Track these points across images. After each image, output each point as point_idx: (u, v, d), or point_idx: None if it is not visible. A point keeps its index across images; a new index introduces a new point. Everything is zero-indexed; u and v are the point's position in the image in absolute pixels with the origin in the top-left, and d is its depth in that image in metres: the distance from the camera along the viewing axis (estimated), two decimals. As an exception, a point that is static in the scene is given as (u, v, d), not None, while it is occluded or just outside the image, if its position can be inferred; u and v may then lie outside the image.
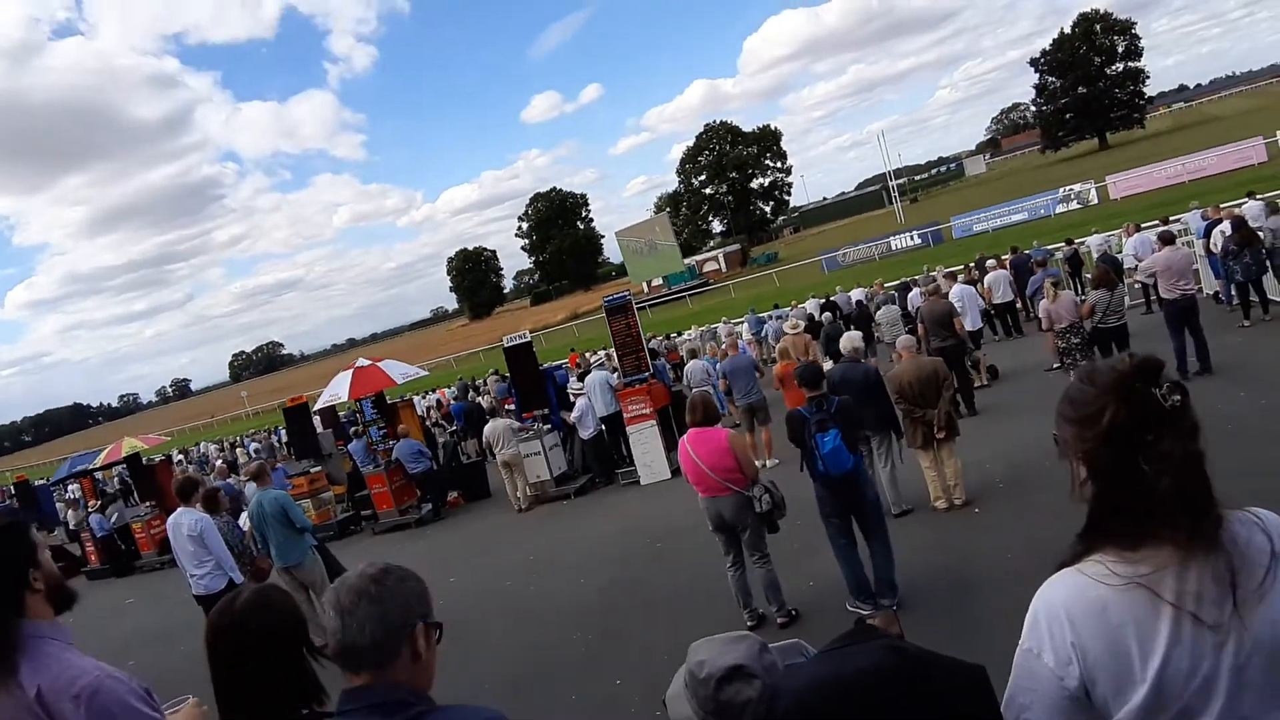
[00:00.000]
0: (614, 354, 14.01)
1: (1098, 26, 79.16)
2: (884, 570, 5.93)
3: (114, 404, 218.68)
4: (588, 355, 22.99)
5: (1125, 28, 78.97)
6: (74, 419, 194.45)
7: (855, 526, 6.01)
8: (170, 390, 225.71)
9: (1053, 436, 1.55)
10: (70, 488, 25.92)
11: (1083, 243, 19.79)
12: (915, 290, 17.65)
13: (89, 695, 1.98)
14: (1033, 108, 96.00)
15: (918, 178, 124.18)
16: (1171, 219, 17.34)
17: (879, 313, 16.40)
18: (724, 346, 16.61)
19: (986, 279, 16.35)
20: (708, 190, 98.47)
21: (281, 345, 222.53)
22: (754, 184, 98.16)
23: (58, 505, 25.85)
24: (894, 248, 46.28)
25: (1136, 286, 15.71)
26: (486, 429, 13.66)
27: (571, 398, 14.32)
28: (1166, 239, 10.59)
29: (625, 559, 8.85)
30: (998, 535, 6.77)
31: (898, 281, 22.38)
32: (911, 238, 46.13)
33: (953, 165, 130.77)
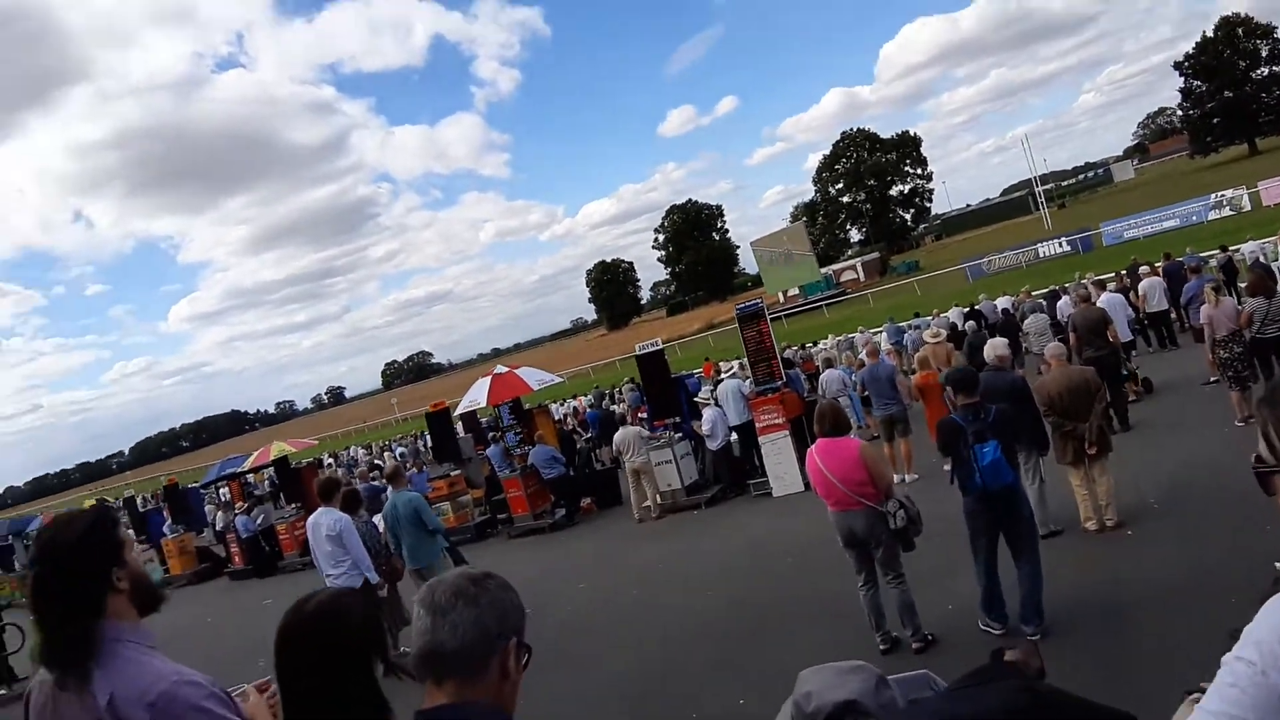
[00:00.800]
0: (746, 363, 13.85)
1: (1239, 30, 74.49)
2: (1031, 595, 5.51)
3: (271, 410, 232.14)
4: (721, 365, 22.87)
5: (1266, 31, 73.86)
6: (231, 425, 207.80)
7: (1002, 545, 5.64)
8: (325, 397, 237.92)
9: (1253, 470, 1.31)
10: (220, 490, 27.46)
11: (1237, 250, 18.69)
12: (1065, 298, 16.76)
13: (165, 701, 1.90)
14: (1179, 112, 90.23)
15: (1064, 183, 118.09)
16: None
17: (1026, 321, 15.64)
18: (861, 355, 16.20)
19: (1141, 286, 15.33)
20: (845, 198, 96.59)
21: (431, 354, 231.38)
22: (893, 191, 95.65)
23: (207, 507, 27.38)
24: (1041, 254, 44.14)
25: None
26: (616, 436, 13.69)
27: (701, 406, 14.23)
28: None
29: (754, 573, 8.66)
30: (1152, 561, 6.24)
31: (1046, 289, 21.27)
32: (1059, 244, 43.89)
33: (1100, 171, 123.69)
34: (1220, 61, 74.63)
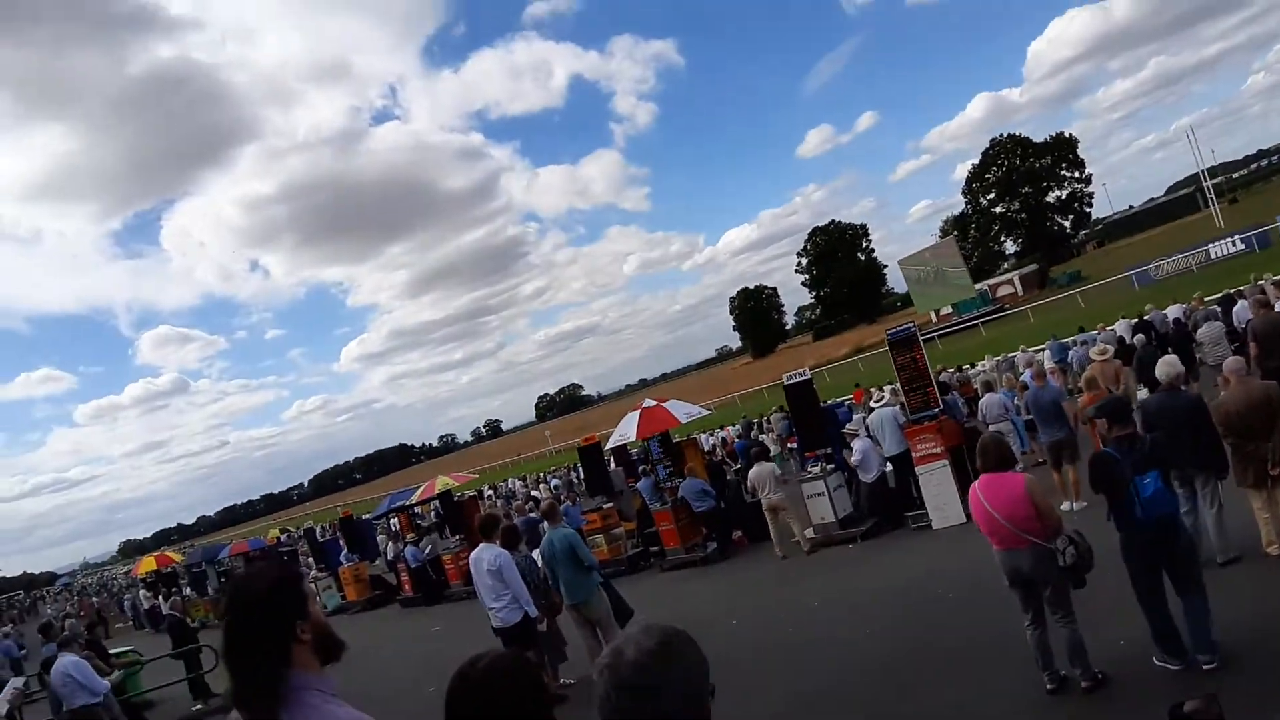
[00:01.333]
0: (899, 389, 13.43)
1: None
2: (1201, 627, 5.15)
3: (434, 444, 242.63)
4: (873, 391, 22.30)
5: None
6: (399, 458, 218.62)
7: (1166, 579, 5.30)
8: (484, 430, 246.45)
9: None
10: (391, 521, 28.85)
11: None
12: (1242, 303, 15.42)
13: None
14: None
15: (1235, 175, 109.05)
16: None
17: (1200, 331, 14.48)
18: (1023, 377, 15.42)
19: None
20: (998, 209, 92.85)
21: (581, 386, 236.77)
22: (1049, 198, 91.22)
23: (379, 537, 28.72)
24: (1214, 255, 40.94)
25: None
26: (751, 473, 13.55)
27: (848, 438, 13.87)
28: None
29: (913, 610, 8.34)
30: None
31: (1220, 294, 19.68)
32: (1234, 243, 40.50)
33: (1275, 158, 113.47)
34: None
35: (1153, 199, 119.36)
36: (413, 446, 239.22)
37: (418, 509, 23.52)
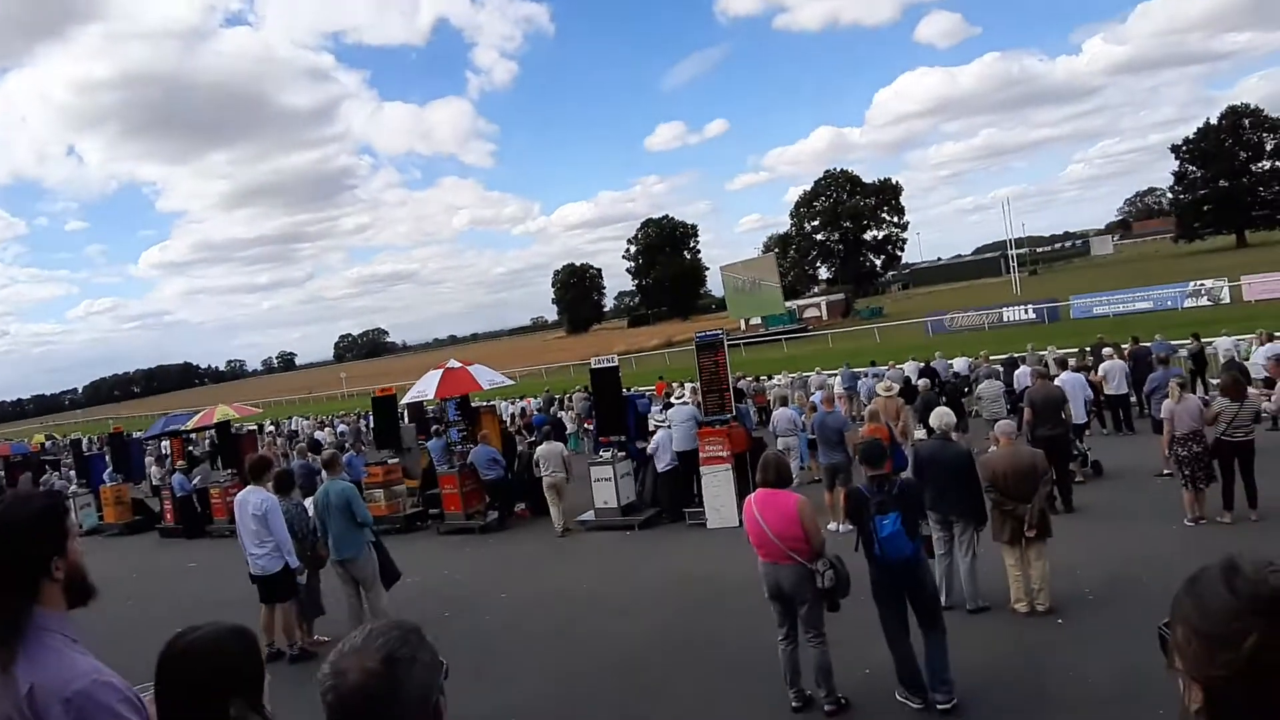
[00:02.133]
0: (699, 389, 13.82)
1: (1246, 121, 76.04)
2: (938, 665, 5.54)
3: (221, 368, 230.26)
4: (674, 386, 22.82)
5: (1275, 125, 75.48)
6: (182, 377, 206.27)
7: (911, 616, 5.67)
8: (276, 361, 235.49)
9: (1159, 632, 1.26)
10: (162, 444, 27.03)
11: (1210, 342, 18.63)
12: (1023, 368, 16.81)
13: (80, 700, 1.91)
14: (1169, 194, 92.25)
15: (1039, 249, 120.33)
16: None
17: (980, 386, 15.70)
18: (814, 397, 16.22)
19: (1102, 367, 15.33)
20: (819, 236, 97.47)
21: (386, 333, 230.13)
22: (867, 235, 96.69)
23: (147, 459, 26.89)
24: (1006, 319, 44.41)
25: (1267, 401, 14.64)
26: (540, 449, 13.70)
27: (651, 427, 14.15)
28: None
29: (677, 607, 8.60)
30: (1080, 651, 6.24)
31: (1005, 356, 21.47)
32: (1026, 311, 44.24)
33: (1078, 242, 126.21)
34: (1220, 149, 76.06)
35: (960, 255, 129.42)
36: (198, 367, 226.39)
37: (193, 435, 22.08)
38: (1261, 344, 15.52)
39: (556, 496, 13.36)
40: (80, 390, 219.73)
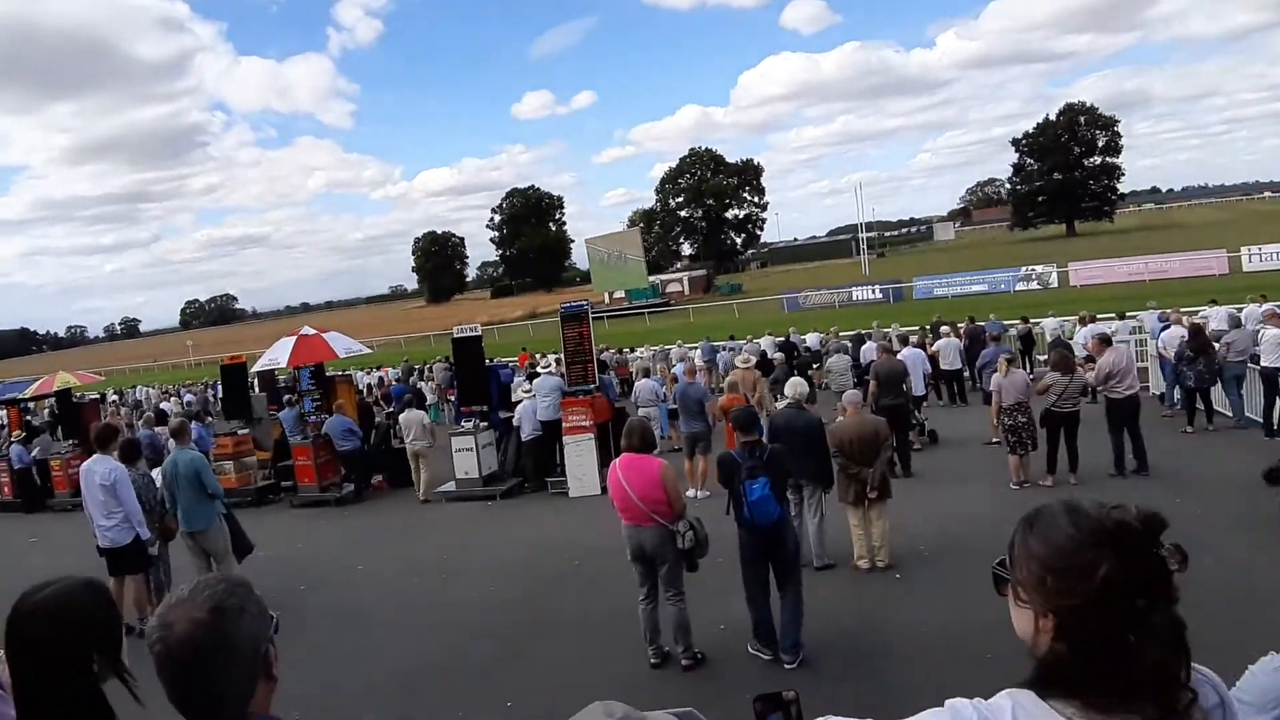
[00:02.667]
0: (563, 359, 13.87)
1: (1082, 118, 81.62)
2: (791, 626, 5.81)
3: (60, 334, 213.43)
4: (538, 357, 22.77)
5: (1109, 123, 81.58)
6: (18, 343, 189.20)
7: (771, 575, 5.91)
8: (119, 328, 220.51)
9: (993, 572, 1.36)
10: (-1, 413, 25.03)
11: (1038, 323, 20.11)
12: (869, 344, 17.71)
13: None
14: (1007, 185, 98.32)
15: (888, 234, 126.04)
16: (1128, 315, 17.64)
17: (830, 360, 16.44)
18: (675, 369, 16.53)
19: (938, 344, 16.50)
20: (683, 213, 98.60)
21: (236, 299, 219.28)
22: (729, 214, 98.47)
23: (-19, 430, 24.81)
24: (855, 298, 46.79)
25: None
26: (403, 417, 13.73)
27: (516, 397, 14.11)
28: (1105, 340, 10.49)
29: (540, 572, 8.66)
30: (916, 603, 6.70)
31: (853, 332, 22.49)
32: (874, 291, 46.73)
33: (923, 228, 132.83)
34: (1056, 144, 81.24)
35: (815, 237, 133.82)
36: (36, 333, 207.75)
37: (31, 404, 20.56)
38: (1083, 325, 16.89)
39: (419, 464, 13.27)
40: None
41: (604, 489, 11.50)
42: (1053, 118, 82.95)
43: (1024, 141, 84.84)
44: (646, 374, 15.48)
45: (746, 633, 6.04)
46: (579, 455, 12.13)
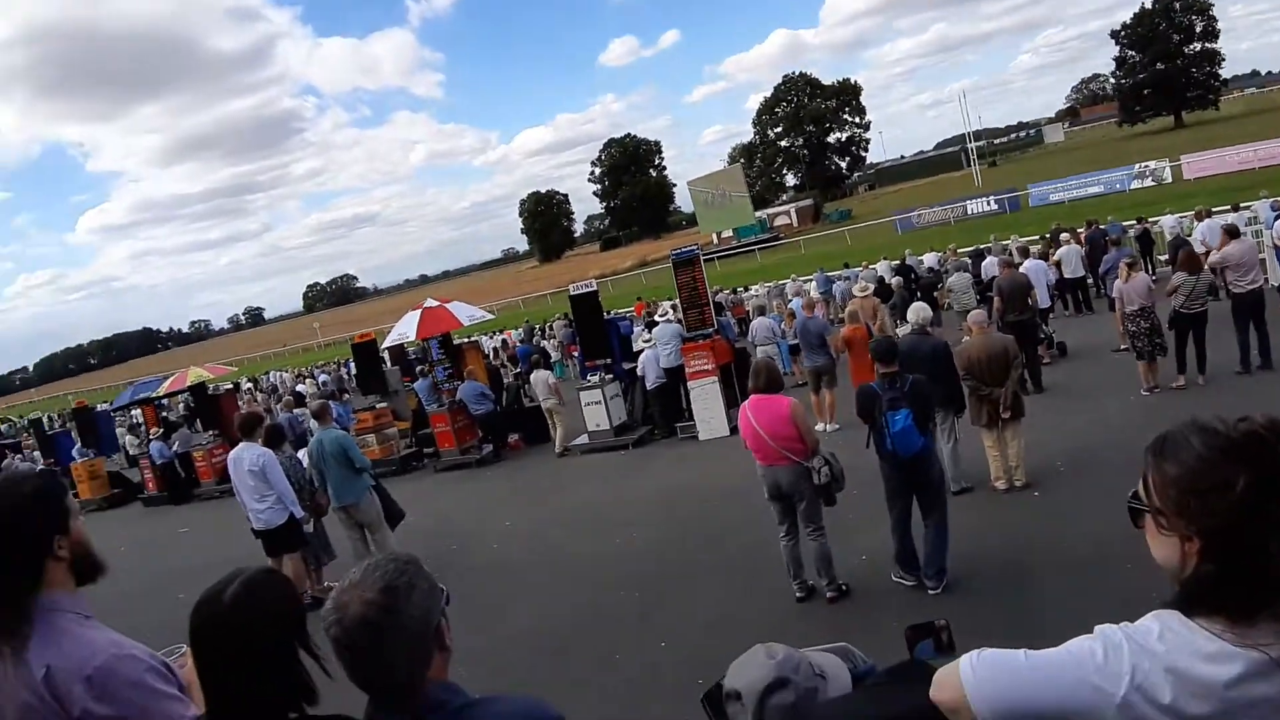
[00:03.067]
0: (679, 305, 13.95)
1: (1177, 4, 76.26)
2: (936, 553, 5.79)
3: (184, 329, 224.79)
4: (654, 305, 22.92)
5: (1203, 8, 76.06)
6: (143, 343, 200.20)
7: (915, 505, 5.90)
8: (243, 318, 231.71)
9: (1128, 506, 1.35)
10: (133, 413, 26.47)
11: (1155, 222, 19.18)
12: (990, 259, 17.14)
13: (101, 676, 1.88)
14: (1111, 80, 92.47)
15: (997, 141, 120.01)
16: (1242, 206, 16.75)
17: (950, 279, 15.96)
18: (792, 304, 16.38)
19: (1059, 253, 15.84)
20: (783, 143, 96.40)
21: (355, 278, 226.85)
22: (831, 138, 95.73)
23: (118, 431, 26.39)
24: (970, 212, 44.90)
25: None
26: (532, 377, 14.39)
27: (637, 348, 14.32)
28: (1232, 232, 10.01)
29: (677, 517, 8.84)
30: (1056, 521, 6.59)
31: (971, 248, 21.72)
32: (988, 203, 44.63)
33: (1032, 131, 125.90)
34: (1155, 33, 76.17)
35: (922, 152, 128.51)
36: (160, 331, 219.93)
37: (165, 401, 21.73)
38: (1200, 220, 15.96)
39: (554, 420, 13.77)
40: (31, 369, 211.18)
41: (732, 430, 11.67)
42: (1149, 6, 77.47)
43: (1122, 34, 79.74)
44: (762, 312, 15.42)
45: (888, 563, 6.06)
46: (704, 399, 12.25)
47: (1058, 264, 15.54)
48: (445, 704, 1.52)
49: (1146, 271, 14.09)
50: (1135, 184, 39.08)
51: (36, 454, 23.48)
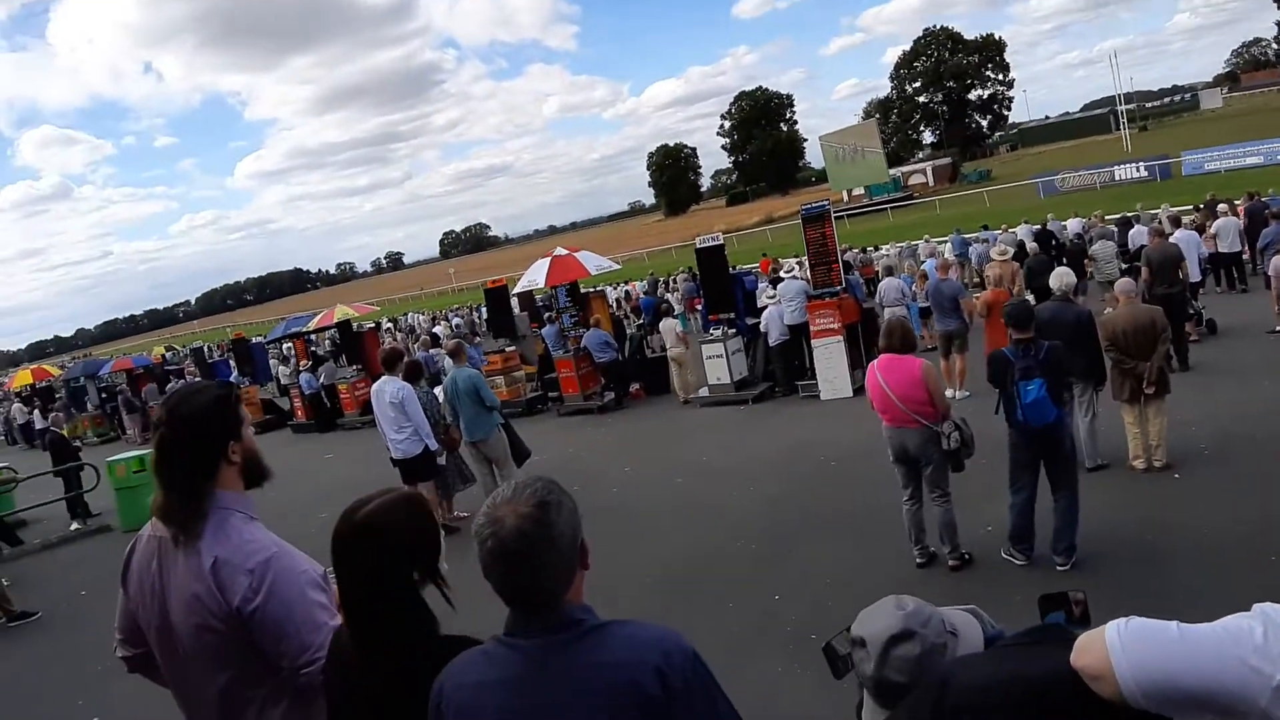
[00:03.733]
0: (805, 263, 13.79)
1: None
2: (1067, 529, 5.58)
3: (331, 271, 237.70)
4: (780, 261, 22.68)
5: None
6: (294, 283, 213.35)
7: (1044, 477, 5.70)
8: (384, 261, 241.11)
9: None
10: (285, 346, 28.12)
11: None
12: (1138, 227, 16.20)
13: (263, 570, 2.05)
14: (1275, 45, 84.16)
15: (1148, 105, 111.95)
16: None
17: (1095, 247, 15.17)
18: (925, 264, 15.92)
19: (1214, 225, 14.72)
20: (921, 99, 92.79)
21: (489, 227, 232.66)
22: (971, 95, 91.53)
23: (271, 361, 28.22)
24: (1118, 178, 42.00)
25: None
26: (661, 325, 14.54)
27: (762, 303, 14.26)
28: None
29: (797, 474, 8.84)
30: (1197, 506, 6.23)
31: (1118, 215, 20.50)
32: (1137, 168, 41.65)
33: (1187, 96, 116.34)
34: None
35: (1068, 113, 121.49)
36: (309, 272, 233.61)
37: (313, 336, 23.11)
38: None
39: (678, 368, 14.05)
40: (193, 302, 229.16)
41: (856, 392, 11.54)
42: None
43: None
44: (890, 272, 15.04)
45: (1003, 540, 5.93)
46: (829, 358, 12.12)
47: (1213, 236, 14.55)
48: (582, 622, 1.58)
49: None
50: (1300, 155, 35.54)
51: (197, 380, 25.01)
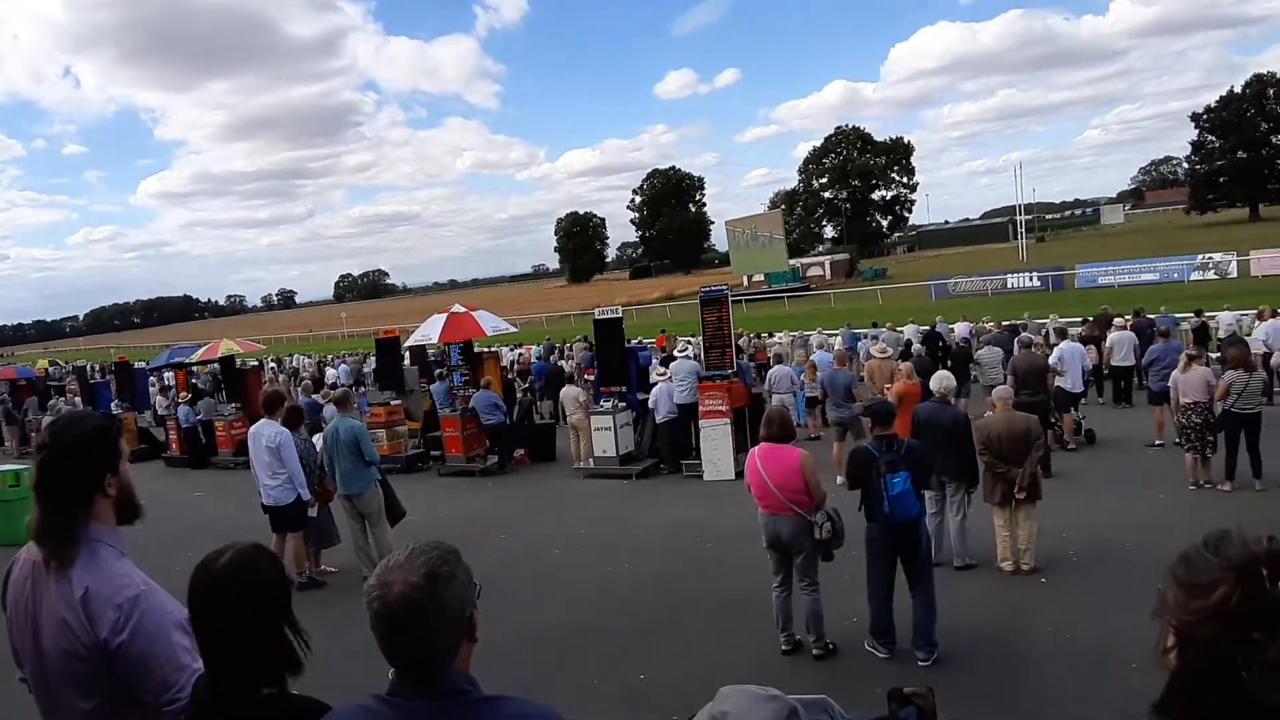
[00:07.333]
0: (700, 343, 13.98)
1: (1271, 90, 73.86)
2: (925, 623, 5.73)
3: (221, 302, 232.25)
4: (676, 339, 22.93)
5: None
6: (183, 310, 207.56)
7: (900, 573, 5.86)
8: (276, 299, 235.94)
9: (1157, 589, 1.36)
10: (166, 375, 27.19)
11: (1213, 317, 18.59)
12: (1026, 334, 16.93)
13: (130, 607, 2.05)
14: (1185, 164, 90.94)
15: (1049, 216, 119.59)
16: None
17: (981, 352, 15.80)
18: (814, 358, 16.34)
19: (1111, 337, 15.28)
20: (827, 194, 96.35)
21: (387, 274, 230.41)
22: (875, 195, 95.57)
23: (151, 390, 27.08)
24: (1010, 285, 44.17)
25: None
26: (563, 392, 14.54)
27: (653, 379, 14.35)
28: None
29: (674, 553, 8.82)
30: (1061, 611, 6.45)
31: (1009, 322, 21.52)
32: (1031, 278, 43.91)
33: (1089, 210, 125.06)
34: (1242, 119, 74.15)
35: (968, 219, 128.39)
36: (199, 301, 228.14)
37: (195, 368, 22.36)
38: (1262, 320, 15.60)
39: (577, 435, 14.01)
40: (81, 318, 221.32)
41: (738, 474, 11.63)
42: (1239, 90, 75.47)
43: (1205, 117, 77.56)
44: (781, 360, 15.38)
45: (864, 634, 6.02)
46: (715, 440, 12.24)
47: (1110, 349, 15.06)
48: (466, 694, 1.60)
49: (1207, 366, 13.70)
50: (1195, 275, 37.74)
51: (77, 399, 24.06)
